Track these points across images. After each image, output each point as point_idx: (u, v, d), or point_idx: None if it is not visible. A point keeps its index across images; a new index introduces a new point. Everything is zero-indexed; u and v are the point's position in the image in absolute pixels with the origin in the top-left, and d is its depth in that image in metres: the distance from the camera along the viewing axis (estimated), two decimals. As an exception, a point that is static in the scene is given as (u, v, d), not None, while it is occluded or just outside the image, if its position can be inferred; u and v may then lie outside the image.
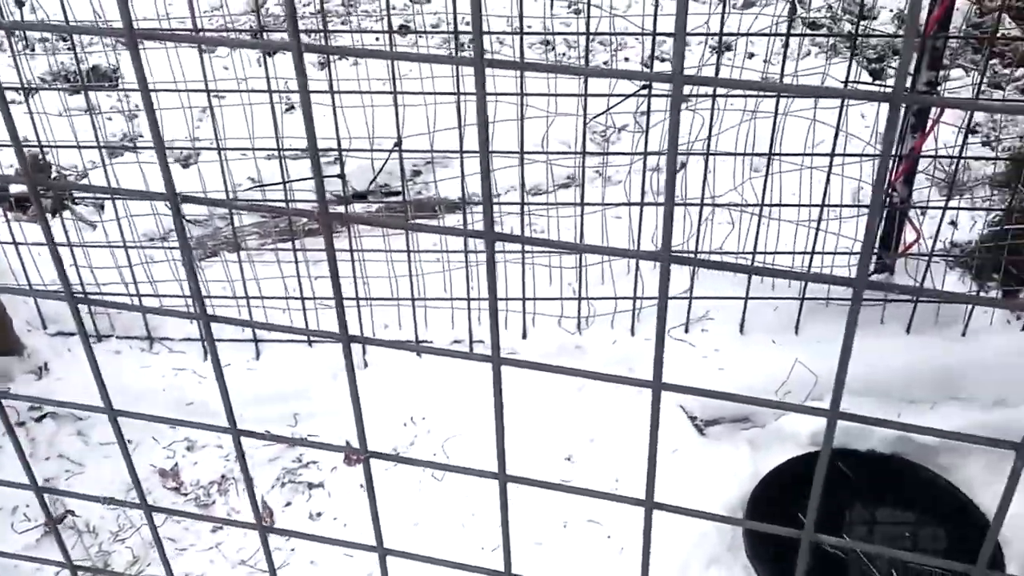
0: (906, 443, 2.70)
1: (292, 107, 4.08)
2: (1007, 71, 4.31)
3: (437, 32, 4.63)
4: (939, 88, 2.94)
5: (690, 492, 2.58)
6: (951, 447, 2.67)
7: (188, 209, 3.52)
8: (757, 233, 2.94)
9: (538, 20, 4.15)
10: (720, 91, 2.85)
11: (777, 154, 2.80)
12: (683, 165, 3.76)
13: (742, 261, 3.04)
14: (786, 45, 2.67)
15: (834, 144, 2.77)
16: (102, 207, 3.61)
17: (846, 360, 0.77)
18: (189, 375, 3.03)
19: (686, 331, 3.06)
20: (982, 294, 3.10)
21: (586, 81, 2.74)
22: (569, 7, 4.98)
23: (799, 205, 2.99)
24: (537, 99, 2.85)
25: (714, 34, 2.74)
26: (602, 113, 2.87)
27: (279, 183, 2.99)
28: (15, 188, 3.67)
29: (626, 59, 4.58)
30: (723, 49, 3.01)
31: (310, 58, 4.20)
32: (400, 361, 3.02)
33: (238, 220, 3.38)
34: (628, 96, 2.80)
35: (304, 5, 5.08)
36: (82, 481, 2.77)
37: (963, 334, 2.99)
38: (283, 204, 3.10)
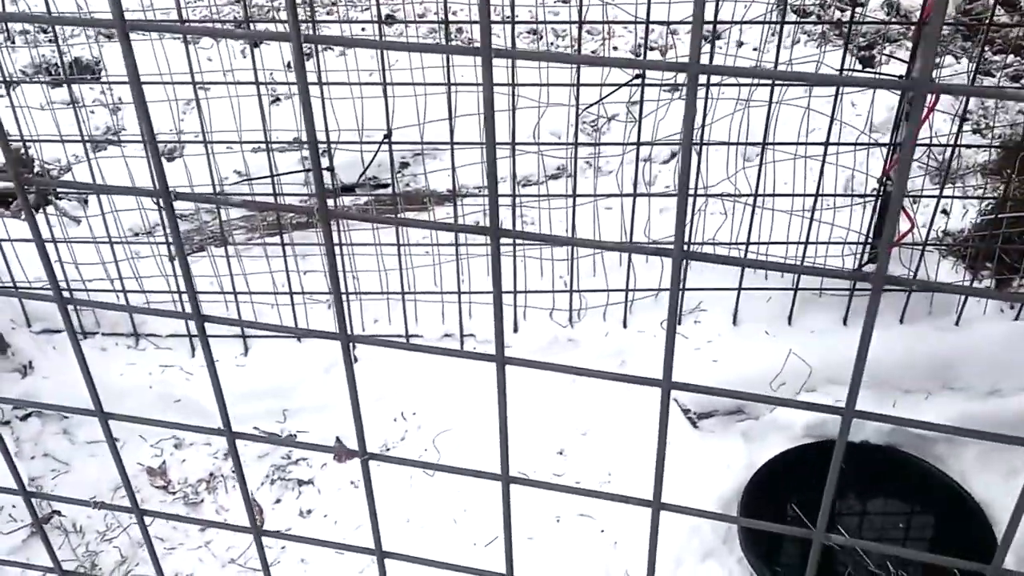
0: (899, 434, 2.69)
1: (277, 99, 4.03)
2: (997, 58, 4.30)
3: (425, 22, 4.59)
4: (935, 76, 2.92)
5: (684, 485, 2.56)
6: (944, 437, 2.66)
7: (175, 204, 3.47)
8: (751, 223, 2.92)
9: (527, 9, 4.11)
10: (714, 79, 2.83)
11: (771, 143, 2.78)
12: (674, 155, 3.74)
13: (736, 252, 3.02)
14: (780, 32, 2.64)
15: (828, 133, 2.75)
16: (86, 202, 3.56)
17: (863, 358, 0.74)
18: (176, 372, 2.99)
19: (679, 323, 3.04)
20: (975, 283, 3.09)
21: (579, 70, 2.71)
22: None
23: (793, 195, 2.97)
24: (528, 89, 2.82)
25: (708, 22, 2.71)
26: (595, 103, 2.84)
27: (267, 176, 2.95)
28: (-3, 183, 3.61)
29: (615, 48, 4.56)
30: (714, 38, 2.99)
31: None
32: (390, 356, 2.99)
33: (225, 214, 3.34)
34: (622, 85, 2.77)
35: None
36: (68, 480, 2.73)
37: (956, 323, 2.98)
38: (272, 198, 3.05)
